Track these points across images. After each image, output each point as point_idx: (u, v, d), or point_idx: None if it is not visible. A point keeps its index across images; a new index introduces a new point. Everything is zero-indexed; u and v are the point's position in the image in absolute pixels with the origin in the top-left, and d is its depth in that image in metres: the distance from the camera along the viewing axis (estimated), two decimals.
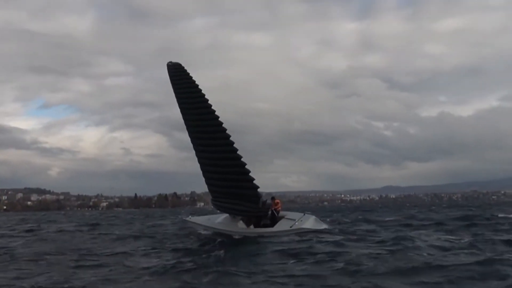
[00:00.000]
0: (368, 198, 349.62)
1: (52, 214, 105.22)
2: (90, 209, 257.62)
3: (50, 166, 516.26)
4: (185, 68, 31.27)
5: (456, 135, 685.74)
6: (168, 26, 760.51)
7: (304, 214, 31.71)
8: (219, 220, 33.18)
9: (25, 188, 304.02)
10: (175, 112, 33.47)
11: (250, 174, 28.70)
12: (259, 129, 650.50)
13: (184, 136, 30.31)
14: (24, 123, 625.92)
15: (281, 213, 31.66)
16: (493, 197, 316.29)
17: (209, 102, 30.55)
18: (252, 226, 31.11)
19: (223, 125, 30.04)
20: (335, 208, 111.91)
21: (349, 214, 62.50)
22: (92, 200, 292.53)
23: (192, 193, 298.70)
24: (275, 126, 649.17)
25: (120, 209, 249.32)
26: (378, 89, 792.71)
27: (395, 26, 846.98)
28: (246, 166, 28.62)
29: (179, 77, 31.38)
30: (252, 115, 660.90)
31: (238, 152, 28.68)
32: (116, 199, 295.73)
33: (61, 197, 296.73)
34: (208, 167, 31.22)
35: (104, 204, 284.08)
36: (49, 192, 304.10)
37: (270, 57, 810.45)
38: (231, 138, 28.68)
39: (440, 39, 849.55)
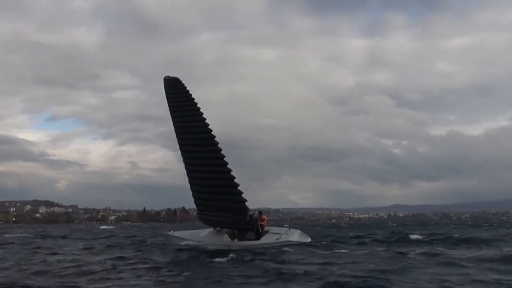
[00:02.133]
0: (376, 216, 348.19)
1: (77, 228, 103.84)
2: (99, 222, 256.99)
3: (57, 178, 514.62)
4: (184, 83, 32.17)
5: (465, 154, 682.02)
6: (176, 40, 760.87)
7: (289, 229, 33.70)
8: (203, 234, 34.23)
9: (33, 200, 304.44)
10: None
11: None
12: (267, 144, 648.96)
13: None
14: (32, 135, 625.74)
15: (266, 228, 33.24)
16: (502, 217, 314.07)
17: (203, 116, 32.00)
18: (236, 240, 32.43)
19: (215, 139, 31.65)
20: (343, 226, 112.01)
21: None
22: (101, 213, 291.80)
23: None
24: (282, 141, 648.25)
25: (129, 222, 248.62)
26: (387, 107, 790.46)
27: (404, 43, 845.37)
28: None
29: (176, 91, 32.81)
30: (259, 130, 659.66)
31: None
32: (124, 213, 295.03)
33: (69, 209, 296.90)
34: (198, 180, 32.26)
35: (113, 217, 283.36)
36: (57, 204, 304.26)
37: (278, 72, 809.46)
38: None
39: (449, 57, 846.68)
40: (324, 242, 35.08)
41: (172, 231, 39.28)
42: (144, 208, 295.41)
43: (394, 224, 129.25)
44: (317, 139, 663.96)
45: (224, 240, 32.69)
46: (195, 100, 32.99)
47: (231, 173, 32.30)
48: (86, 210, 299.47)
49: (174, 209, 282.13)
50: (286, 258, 24.42)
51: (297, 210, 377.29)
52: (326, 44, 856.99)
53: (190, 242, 33.47)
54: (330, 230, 60.45)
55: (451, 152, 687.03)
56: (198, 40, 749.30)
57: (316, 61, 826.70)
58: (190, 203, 33.03)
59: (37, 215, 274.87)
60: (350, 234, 49.69)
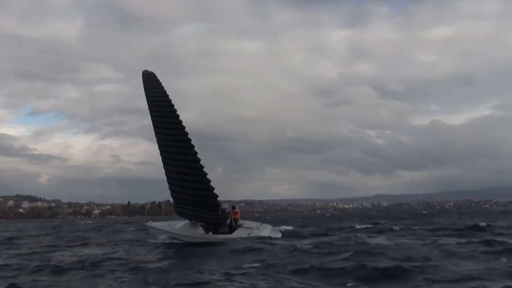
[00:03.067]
0: (360, 207, 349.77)
1: (64, 223, 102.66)
2: (83, 216, 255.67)
3: (39, 173, 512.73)
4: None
5: (448, 144, 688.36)
6: (158, 32, 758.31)
7: (261, 224, 34.19)
8: (178, 226, 34.54)
9: (16, 195, 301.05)
10: None
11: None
12: (250, 136, 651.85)
13: None
14: (13, 130, 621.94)
15: (240, 221, 34.04)
16: (485, 205, 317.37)
17: (177, 112, 32.52)
18: (210, 233, 32.93)
19: (189, 135, 32.10)
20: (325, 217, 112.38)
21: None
22: (85, 207, 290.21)
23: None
24: (266, 133, 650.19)
25: (113, 216, 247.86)
26: (370, 97, 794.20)
27: (386, 34, 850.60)
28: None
29: (152, 85, 33.44)
30: (243, 122, 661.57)
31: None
32: (108, 207, 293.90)
33: (53, 204, 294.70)
34: (172, 173, 32.68)
35: (97, 211, 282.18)
36: (40, 199, 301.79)
37: (261, 64, 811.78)
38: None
39: (431, 48, 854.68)
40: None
41: (150, 222, 39.76)
42: (129, 201, 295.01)
43: (382, 214, 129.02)
44: (300, 130, 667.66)
45: (199, 233, 33.10)
46: (169, 97, 33.42)
47: (208, 173, 32.80)
48: (70, 205, 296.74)
49: (159, 202, 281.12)
50: None
51: (282, 201, 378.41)
52: (309, 35, 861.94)
53: (166, 235, 34.01)
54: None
55: (434, 141, 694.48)
56: (180, 33, 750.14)
57: (299, 53, 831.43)
58: None
59: (21, 210, 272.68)
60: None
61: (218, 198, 32.59)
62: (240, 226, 33.38)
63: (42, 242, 35.25)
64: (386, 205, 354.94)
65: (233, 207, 35.17)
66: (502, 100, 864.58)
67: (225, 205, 35.87)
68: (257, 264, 18.46)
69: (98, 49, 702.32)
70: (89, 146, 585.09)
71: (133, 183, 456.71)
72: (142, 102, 32.19)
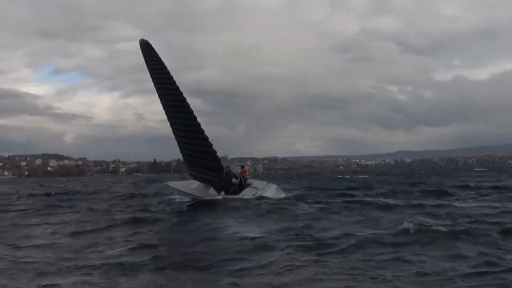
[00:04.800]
0: (383, 163, 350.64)
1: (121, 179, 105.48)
2: (110, 174, 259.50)
3: (64, 132, 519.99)
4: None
5: (471, 99, 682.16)
6: None
7: (267, 183, 35.81)
8: (194, 186, 35.72)
9: (43, 154, 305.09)
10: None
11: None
12: (272, 94, 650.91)
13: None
14: (36, 88, 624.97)
15: (248, 181, 35.42)
16: (509, 161, 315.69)
17: (174, 79, 32.46)
18: (222, 193, 34.21)
19: (186, 101, 32.26)
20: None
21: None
22: (111, 165, 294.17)
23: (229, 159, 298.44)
24: (287, 91, 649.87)
25: (140, 174, 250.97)
26: (392, 53, 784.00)
27: None
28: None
29: (148, 54, 33.14)
30: (264, 79, 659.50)
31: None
32: (134, 165, 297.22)
33: (79, 162, 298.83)
34: (179, 137, 33.34)
35: (123, 169, 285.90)
36: (66, 158, 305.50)
37: (281, 20, 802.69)
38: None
39: (454, 1, 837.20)
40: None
41: (170, 181, 41.46)
42: (154, 159, 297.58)
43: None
44: (322, 87, 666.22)
45: (210, 193, 34.59)
46: (165, 64, 33.25)
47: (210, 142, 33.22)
48: (96, 163, 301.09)
49: None
50: None
51: (304, 158, 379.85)
52: None
53: (182, 193, 35.87)
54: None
55: (457, 97, 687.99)
56: None
57: (320, 8, 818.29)
58: None
59: (49, 168, 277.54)
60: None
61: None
62: (249, 185, 34.92)
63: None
64: (409, 161, 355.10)
65: (242, 166, 37.30)
66: None
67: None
68: None
69: (119, 7, 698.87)
70: (112, 105, 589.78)
71: (157, 140, 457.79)
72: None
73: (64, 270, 11.69)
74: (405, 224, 15.90)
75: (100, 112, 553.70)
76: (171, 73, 33.38)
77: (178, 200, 33.81)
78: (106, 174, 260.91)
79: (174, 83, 32.91)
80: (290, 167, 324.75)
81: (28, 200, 40.12)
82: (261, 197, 31.99)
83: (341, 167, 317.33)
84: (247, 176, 36.12)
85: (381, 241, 14.08)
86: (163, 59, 34.16)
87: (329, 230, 16.84)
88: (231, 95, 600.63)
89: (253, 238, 15.29)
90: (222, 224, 19.31)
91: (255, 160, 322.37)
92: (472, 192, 35.12)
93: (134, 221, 20.87)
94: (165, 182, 42.47)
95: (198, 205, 30.50)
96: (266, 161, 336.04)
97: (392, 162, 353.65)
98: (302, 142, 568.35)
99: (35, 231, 19.00)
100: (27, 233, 18.46)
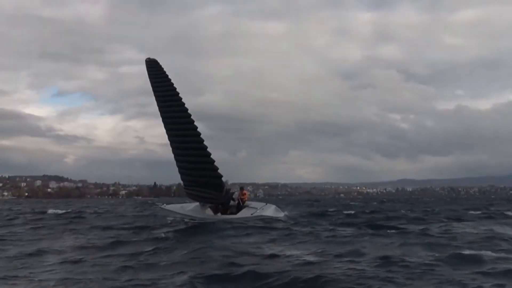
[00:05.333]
0: (384, 191, 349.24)
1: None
2: (110, 197, 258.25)
3: (65, 153, 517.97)
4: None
5: (473, 129, 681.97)
6: (182, 13, 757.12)
7: (265, 204, 35.73)
8: (190, 207, 35.98)
9: (44, 175, 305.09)
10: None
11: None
12: (274, 119, 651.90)
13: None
14: (39, 110, 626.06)
15: (247, 202, 35.38)
16: (510, 192, 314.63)
17: (179, 95, 33.62)
18: (219, 214, 33.92)
19: (191, 117, 33.06)
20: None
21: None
22: (111, 188, 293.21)
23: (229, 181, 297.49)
24: (290, 116, 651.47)
25: (140, 197, 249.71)
26: (395, 81, 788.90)
27: (412, 16, 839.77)
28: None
29: (156, 72, 34.45)
30: (267, 104, 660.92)
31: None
32: (134, 188, 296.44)
33: (80, 184, 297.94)
34: (179, 157, 34.05)
35: (123, 192, 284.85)
36: (67, 179, 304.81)
37: (285, 46, 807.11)
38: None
39: (457, 31, 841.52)
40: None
41: (164, 204, 41.87)
42: (155, 182, 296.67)
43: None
44: (324, 113, 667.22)
45: (207, 214, 34.35)
46: (172, 81, 34.38)
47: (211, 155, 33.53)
48: (96, 185, 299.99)
49: None
50: None
51: (305, 184, 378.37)
52: (334, 17, 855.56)
53: (178, 215, 35.21)
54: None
55: (459, 126, 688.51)
56: (205, 13, 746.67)
57: (324, 35, 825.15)
58: None
59: (49, 189, 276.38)
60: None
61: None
62: (246, 206, 34.63)
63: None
64: (410, 189, 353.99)
65: (241, 188, 36.64)
66: None
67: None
68: None
69: (122, 30, 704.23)
70: (114, 127, 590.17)
71: (158, 164, 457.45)
72: None
73: None
74: None
75: (101, 135, 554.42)
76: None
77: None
78: (106, 197, 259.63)
79: (180, 99, 33.77)
80: (291, 193, 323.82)
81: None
82: (261, 216, 31.96)
83: (341, 195, 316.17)
84: (246, 198, 36.10)
85: None
86: None
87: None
88: (233, 119, 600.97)
89: None
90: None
91: (255, 186, 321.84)
92: None
93: None
94: (160, 205, 43.07)
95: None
96: (266, 187, 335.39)
97: (393, 191, 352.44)
98: (303, 168, 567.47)
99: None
100: None
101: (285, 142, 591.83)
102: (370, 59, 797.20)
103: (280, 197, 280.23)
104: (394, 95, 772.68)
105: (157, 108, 34.81)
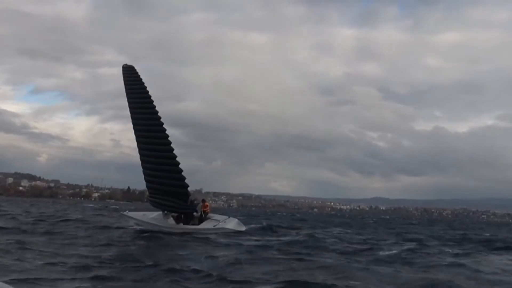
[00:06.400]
0: (358, 208, 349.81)
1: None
2: (83, 199, 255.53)
3: (39, 152, 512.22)
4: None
5: (449, 151, 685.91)
6: (165, 18, 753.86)
7: (228, 217, 36.27)
8: (152, 216, 36.17)
9: (16, 173, 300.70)
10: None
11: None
12: (252, 130, 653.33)
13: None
14: (14, 106, 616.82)
15: (209, 214, 36.16)
16: (482, 216, 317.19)
17: (154, 104, 34.01)
18: (181, 224, 34.62)
19: (163, 126, 33.75)
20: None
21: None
22: (84, 190, 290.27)
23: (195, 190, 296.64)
24: (267, 128, 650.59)
25: (113, 201, 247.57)
26: (373, 99, 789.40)
27: (394, 35, 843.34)
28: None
29: (132, 78, 34.71)
30: (245, 115, 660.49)
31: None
32: (107, 191, 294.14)
33: (52, 184, 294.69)
34: (147, 164, 34.46)
35: (96, 195, 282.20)
36: (39, 178, 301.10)
37: (266, 57, 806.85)
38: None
39: (438, 53, 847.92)
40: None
41: (127, 211, 41.86)
42: (129, 187, 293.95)
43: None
44: (302, 127, 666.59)
45: (169, 223, 34.75)
46: (147, 88, 34.73)
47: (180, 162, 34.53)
48: (69, 186, 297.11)
49: None
50: None
51: (279, 197, 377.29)
52: (316, 32, 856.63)
53: (139, 224, 35.66)
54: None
55: (436, 148, 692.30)
56: (188, 20, 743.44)
57: (305, 49, 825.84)
58: None
59: (20, 188, 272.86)
60: None
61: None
62: (208, 218, 35.30)
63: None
64: (383, 208, 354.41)
65: (203, 200, 37.43)
66: (506, 110, 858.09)
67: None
68: None
69: (104, 32, 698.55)
70: (89, 129, 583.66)
71: (132, 168, 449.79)
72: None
73: None
74: None
75: (76, 135, 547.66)
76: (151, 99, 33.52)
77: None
78: (79, 198, 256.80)
79: (154, 107, 34.08)
80: (264, 205, 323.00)
81: None
82: (223, 229, 32.87)
83: (315, 209, 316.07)
84: (208, 210, 36.61)
85: None
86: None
87: None
88: (211, 128, 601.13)
89: None
90: None
91: (229, 196, 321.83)
92: None
93: None
94: (122, 212, 42.92)
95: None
96: (240, 197, 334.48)
97: (367, 208, 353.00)
98: (277, 181, 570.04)
99: None
100: None
101: (261, 154, 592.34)
102: (350, 76, 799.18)
103: (254, 208, 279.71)
104: (372, 113, 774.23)
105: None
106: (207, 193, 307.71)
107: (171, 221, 34.92)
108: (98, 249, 20.63)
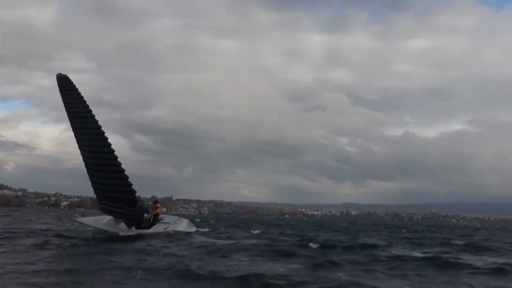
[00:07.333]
0: (329, 214, 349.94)
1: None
2: (51, 207, 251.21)
3: (5, 160, 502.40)
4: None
5: (419, 156, 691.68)
6: (134, 24, 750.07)
7: (179, 218, 37.23)
8: (104, 221, 36.18)
9: None
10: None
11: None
12: (221, 136, 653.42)
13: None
14: None
15: (160, 216, 36.49)
16: (452, 220, 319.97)
17: (93, 113, 33.33)
18: (133, 228, 34.57)
19: (104, 134, 33.09)
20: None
21: None
22: (52, 198, 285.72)
23: (153, 197, 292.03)
24: (237, 134, 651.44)
25: (82, 209, 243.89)
26: (343, 104, 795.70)
27: (364, 42, 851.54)
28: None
29: (68, 88, 33.74)
30: (215, 121, 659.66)
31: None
32: (76, 199, 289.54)
33: (19, 193, 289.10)
34: (92, 172, 34.01)
35: (65, 203, 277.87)
36: (6, 187, 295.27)
37: (236, 63, 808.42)
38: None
39: (408, 59, 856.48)
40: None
41: (79, 217, 42.33)
42: None
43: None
44: (272, 134, 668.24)
45: (121, 227, 34.61)
46: (84, 98, 33.99)
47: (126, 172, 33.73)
48: (37, 195, 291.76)
49: None
50: None
51: (250, 204, 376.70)
52: (286, 38, 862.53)
53: (92, 229, 35.92)
54: None
55: (406, 153, 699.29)
56: (157, 26, 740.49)
57: (275, 55, 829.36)
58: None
59: None
60: None
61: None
62: (159, 220, 35.51)
63: None
64: (354, 213, 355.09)
65: (155, 202, 37.65)
66: (474, 115, 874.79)
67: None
68: None
69: (72, 38, 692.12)
70: (57, 137, 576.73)
71: None
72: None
73: None
74: None
75: (43, 143, 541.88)
76: (90, 107, 33.24)
77: None
78: (47, 207, 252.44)
79: (93, 116, 33.22)
80: (235, 212, 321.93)
81: None
82: (174, 231, 33.25)
83: (286, 216, 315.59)
84: (159, 211, 36.79)
85: None
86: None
87: None
88: (181, 135, 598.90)
89: None
90: None
91: (200, 203, 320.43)
92: None
93: None
94: (74, 218, 43.34)
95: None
96: (211, 204, 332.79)
97: (338, 214, 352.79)
98: (248, 187, 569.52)
99: None
100: None
101: (232, 160, 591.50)
102: (320, 82, 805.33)
103: (225, 215, 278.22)
104: (342, 119, 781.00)
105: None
106: (178, 200, 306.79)
107: (122, 225, 34.83)
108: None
